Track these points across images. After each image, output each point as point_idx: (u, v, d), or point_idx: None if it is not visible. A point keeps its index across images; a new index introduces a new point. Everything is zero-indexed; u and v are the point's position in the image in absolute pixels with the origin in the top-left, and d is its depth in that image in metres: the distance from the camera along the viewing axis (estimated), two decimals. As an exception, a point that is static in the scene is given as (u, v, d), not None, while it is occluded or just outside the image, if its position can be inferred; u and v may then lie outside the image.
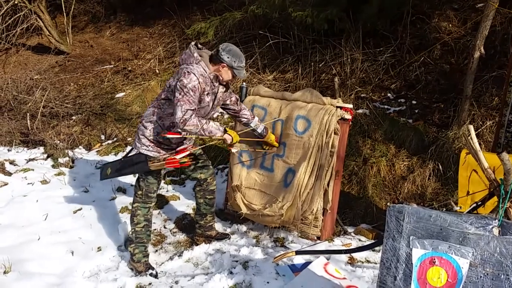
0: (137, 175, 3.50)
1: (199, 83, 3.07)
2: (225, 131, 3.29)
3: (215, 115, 3.46)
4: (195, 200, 3.82)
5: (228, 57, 3.14)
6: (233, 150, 3.49)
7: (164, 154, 3.29)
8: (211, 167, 3.70)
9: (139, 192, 3.41)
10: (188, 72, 3.06)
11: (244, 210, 3.77)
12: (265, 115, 3.89)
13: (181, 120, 3.02)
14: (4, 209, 4.15)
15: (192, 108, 3.05)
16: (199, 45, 3.27)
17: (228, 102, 3.51)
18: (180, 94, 3.03)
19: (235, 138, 3.33)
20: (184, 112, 3.02)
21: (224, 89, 3.36)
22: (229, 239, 3.78)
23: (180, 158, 3.26)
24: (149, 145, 3.26)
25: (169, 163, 3.25)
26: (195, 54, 3.15)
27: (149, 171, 3.29)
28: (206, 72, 3.14)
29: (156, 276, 3.34)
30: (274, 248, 3.62)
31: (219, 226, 4.02)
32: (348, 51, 5.63)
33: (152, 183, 3.38)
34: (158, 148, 3.28)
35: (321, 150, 3.57)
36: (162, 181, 4.77)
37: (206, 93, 3.18)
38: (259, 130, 3.66)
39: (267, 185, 3.79)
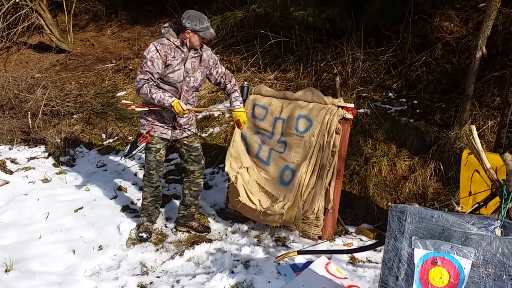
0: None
1: (157, 51, 3.34)
2: (171, 104, 3.34)
3: (199, 93, 3.79)
4: (182, 191, 3.93)
5: (188, 23, 3.33)
6: (136, 109, 3.57)
7: (158, 132, 3.58)
8: (202, 162, 3.84)
9: (145, 170, 3.76)
10: (149, 46, 3.38)
11: (244, 198, 3.78)
12: (266, 114, 3.88)
13: (136, 89, 3.39)
14: (5, 208, 4.15)
15: (146, 77, 3.34)
16: (173, 25, 3.50)
17: (213, 72, 3.66)
18: (139, 65, 3.41)
19: (177, 110, 3.35)
20: (137, 81, 3.36)
21: (196, 54, 3.51)
22: (208, 232, 3.85)
23: (146, 132, 3.56)
24: (145, 124, 3.58)
25: (140, 138, 3.56)
26: (162, 31, 3.46)
27: (147, 148, 3.63)
28: (170, 41, 3.39)
29: (145, 240, 3.70)
30: (275, 248, 3.62)
31: (220, 226, 4.02)
32: (349, 50, 5.62)
33: (151, 160, 3.66)
34: (153, 126, 3.56)
35: (322, 150, 3.57)
36: (163, 180, 4.78)
37: (172, 58, 3.39)
38: (233, 104, 3.69)
39: (265, 178, 3.79)
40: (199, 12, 3.39)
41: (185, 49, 3.42)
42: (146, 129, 3.57)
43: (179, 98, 3.50)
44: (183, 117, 3.60)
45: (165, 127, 3.58)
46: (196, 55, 3.51)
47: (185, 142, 3.71)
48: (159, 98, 3.34)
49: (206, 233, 3.83)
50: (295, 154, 3.67)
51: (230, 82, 3.72)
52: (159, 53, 3.34)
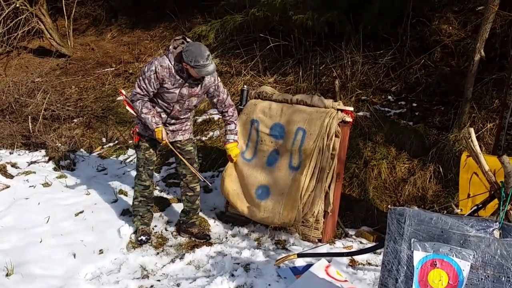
0: None
1: (155, 72, 3.34)
2: (154, 129, 3.47)
3: (192, 108, 3.75)
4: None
5: (186, 57, 3.26)
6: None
7: (149, 133, 3.61)
8: (195, 165, 3.83)
9: (135, 167, 3.83)
10: (151, 61, 3.39)
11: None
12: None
13: (130, 100, 3.52)
14: (6, 212, 4.16)
15: (142, 93, 3.42)
16: (187, 40, 3.44)
17: (214, 100, 3.67)
18: (138, 78, 3.44)
19: (157, 137, 3.51)
20: (133, 94, 3.47)
21: (197, 81, 3.47)
22: (208, 240, 3.82)
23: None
24: (139, 123, 3.66)
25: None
26: (170, 46, 3.41)
27: (137, 146, 3.72)
28: (171, 64, 3.36)
29: (145, 243, 3.70)
30: (275, 251, 3.62)
31: (220, 229, 4.03)
32: (348, 53, 5.64)
33: (140, 158, 3.73)
34: (145, 128, 3.61)
35: (322, 153, 3.59)
36: (163, 183, 4.79)
37: (168, 82, 3.39)
38: (225, 137, 3.83)
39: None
40: (201, 48, 3.24)
41: (185, 75, 3.38)
42: (141, 130, 3.65)
43: (170, 114, 3.56)
44: (175, 124, 3.67)
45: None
46: (196, 82, 3.47)
47: (178, 145, 3.73)
48: (146, 120, 3.47)
49: (205, 240, 3.81)
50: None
51: (227, 112, 3.72)
52: (157, 75, 3.34)
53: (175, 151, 3.68)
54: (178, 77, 3.38)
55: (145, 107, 3.45)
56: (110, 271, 3.41)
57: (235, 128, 3.77)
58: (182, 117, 3.65)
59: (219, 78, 3.63)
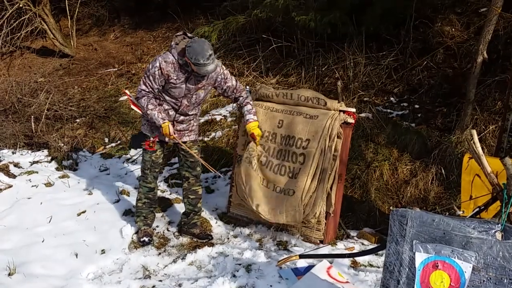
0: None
1: (160, 69, 3.35)
2: (161, 125, 3.46)
3: (196, 104, 3.71)
4: (182, 199, 4.00)
5: (188, 53, 3.27)
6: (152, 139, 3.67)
7: (155, 136, 3.64)
8: (198, 169, 3.84)
9: (140, 169, 3.85)
10: (155, 58, 3.40)
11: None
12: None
13: (135, 97, 3.54)
14: (8, 211, 4.17)
15: (147, 90, 3.44)
16: (188, 35, 3.46)
17: (224, 87, 3.65)
18: (143, 75, 3.46)
19: (164, 132, 3.48)
20: (139, 91, 3.48)
21: (204, 76, 3.47)
22: (210, 239, 3.83)
23: (152, 141, 3.63)
24: (145, 124, 3.70)
25: (145, 144, 3.66)
26: (172, 43, 3.43)
27: (142, 148, 3.73)
28: (175, 59, 3.37)
29: (148, 244, 3.71)
30: (277, 252, 3.62)
31: (222, 229, 4.03)
32: (351, 55, 5.64)
33: (147, 160, 3.73)
34: (152, 129, 3.64)
35: (324, 154, 3.59)
36: (166, 184, 4.80)
37: (174, 77, 3.39)
38: (245, 118, 3.76)
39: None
40: (204, 46, 3.22)
41: (190, 69, 3.37)
42: (147, 131, 3.67)
43: (178, 109, 3.55)
44: (182, 123, 3.66)
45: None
46: (201, 78, 3.49)
47: (182, 147, 3.73)
48: (152, 116, 3.45)
49: (207, 240, 3.83)
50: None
51: (241, 96, 3.73)
52: (161, 71, 3.35)
53: (183, 145, 3.66)
54: (183, 71, 3.40)
55: (151, 103, 3.45)
56: (112, 271, 3.42)
57: (252, 108, 3.76)
58: (190, 113, 3.64)
59: (223, 67, 3.63)
